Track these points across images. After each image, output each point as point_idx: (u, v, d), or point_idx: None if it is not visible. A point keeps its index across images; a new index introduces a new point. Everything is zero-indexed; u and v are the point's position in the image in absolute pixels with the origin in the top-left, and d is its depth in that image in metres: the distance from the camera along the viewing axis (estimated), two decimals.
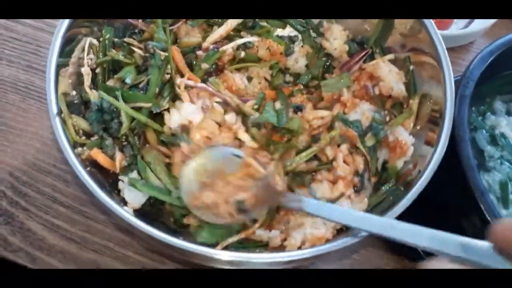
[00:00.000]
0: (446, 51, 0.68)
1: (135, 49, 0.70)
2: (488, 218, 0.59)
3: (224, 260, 0.56)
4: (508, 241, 0.41)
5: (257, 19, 0.79)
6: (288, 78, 0.79)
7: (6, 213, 0.76)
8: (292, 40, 0.80)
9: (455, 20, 0.99)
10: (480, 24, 0.97)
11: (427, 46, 0.70)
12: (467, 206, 0.63)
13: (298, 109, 0.72)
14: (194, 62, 0.72)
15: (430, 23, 0.69)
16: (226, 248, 0.62)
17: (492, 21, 0.95)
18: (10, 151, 0.82)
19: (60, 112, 0.62)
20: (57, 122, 0.61)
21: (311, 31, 0.81)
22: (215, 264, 0.60)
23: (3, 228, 0.75)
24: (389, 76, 0.73)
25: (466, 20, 1.01)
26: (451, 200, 0.68)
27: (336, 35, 0.78)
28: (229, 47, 0.72)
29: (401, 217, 0.59)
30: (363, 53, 0.77)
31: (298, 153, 0.68)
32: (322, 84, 0.74)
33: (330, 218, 0.57)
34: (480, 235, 0.47)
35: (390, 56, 0.76)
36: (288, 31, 0.82)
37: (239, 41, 0.73)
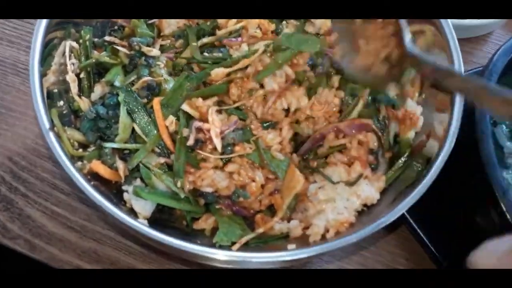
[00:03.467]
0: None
1: (119, 48, 0.66)
2: (509, 217, 0.57)
3: (222, 260, 0.55)
4: None
5: None
6: None
7: (5, 199, 0.74)
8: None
9: None
10: None
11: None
12: (485, 203, 0.61)
13: None
14: None
15: None
16: (246, 245, 0.60)
17: None
18: (9, 135, 0.80)
19: (53, 127, 0.59)
20: (51, 138, 0.58)
21: None
22: (215, 264, 0.59)
23: (2, 214, 0.73)
24: None
25: None
26: (467, 194, 0.66)
27: None
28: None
29: (414, 209, 0.58)
30: None
31: None
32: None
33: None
34: (498, 233, 0.45)
35: None
36: None
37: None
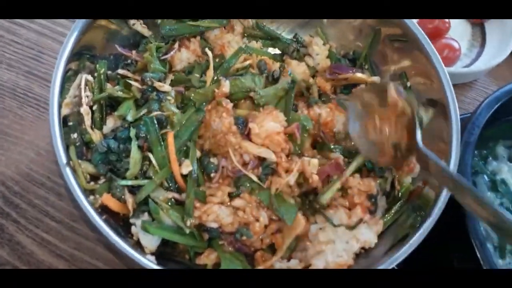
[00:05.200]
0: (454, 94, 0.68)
1: (132, 83, 0.68)
2: (484, 268, 0.59)
3: None
4: None
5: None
6: None
7: None
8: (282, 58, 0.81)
9: (460, 57, 1.00)
10: (484, 64, 0.98)
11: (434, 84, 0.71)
12: (465, 250, 0.64)
13: None
14: None
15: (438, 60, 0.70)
16: None
17: (496, 61, 0.96)
18: (4, 159, 0.80)
19: (69, 162, 0.59)
20: (68, 172, 0.58)
21: (298, 45, 0.81)
22: None
23: None
24: None
25: (471, 58, 1.02)
26: (450, 240, 0.68)
27: (318, 51, 0.79)
28: None
29: None
30: (348, 70, 0.77)
31: None
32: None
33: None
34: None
35: (376, 78, 0.77)
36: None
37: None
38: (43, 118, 0.84)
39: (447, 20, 1.00)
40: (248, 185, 0.66)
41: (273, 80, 0.74)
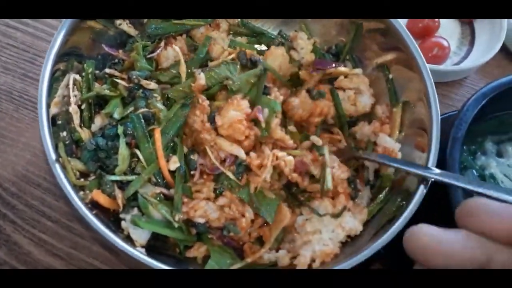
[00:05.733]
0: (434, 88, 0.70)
1: (119, 81, 0.69)
2: None
3: None
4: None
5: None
6: None
7: None
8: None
9: (450, 55, 1.01)
10: (473, 61, 0.99)
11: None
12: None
13: None
14: None
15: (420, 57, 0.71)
16: None
17: (485, 58, 0.97)
18: (0, 161, 0.81)
19: (58, 158, 0.60)
20: (57, 169, 0.59)
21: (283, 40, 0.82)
22: None
23: None
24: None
25: (460, 56, 1.03)
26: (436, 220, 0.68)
27: (302, 45, 0.80)
28: None
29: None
30: (331, 65, 0.78)
31: None
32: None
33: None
34: None
35: (358, 70, 0.78)
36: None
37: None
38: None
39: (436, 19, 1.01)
40: (226, 182, 0.67)
41: (251, 65, 0.74)
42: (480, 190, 0.56)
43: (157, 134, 0.66)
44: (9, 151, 0.83)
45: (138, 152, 0.66)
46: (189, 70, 0.73)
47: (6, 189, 0.79)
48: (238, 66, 0.72)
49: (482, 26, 1.05)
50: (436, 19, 1.01)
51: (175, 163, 0.65)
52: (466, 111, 0.69)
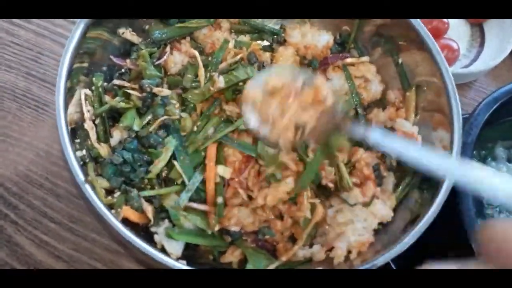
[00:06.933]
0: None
1: (131, 91, 0.67)
2: None
3: None
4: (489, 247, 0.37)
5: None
6: None
7: None
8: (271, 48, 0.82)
9: (460, 58, 1.00)
10: (483, 64, 0.98)
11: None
12: (461, 251, 0.63)
13: None
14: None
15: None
16: None
17: (495, 61, 0.96)
18: (2, 161, 0.80)
19: (87, 178, 0.59)
20: (88, 190, 0.58)
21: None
22: None
23: None
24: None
25: (470, 58, 1.02)
26: (445, 237, 0.68)
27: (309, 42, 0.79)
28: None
29: None
30: (340, 56, 0.79)
31: None
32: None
33: (393, 149, 0.57)
34: None
35: (365, 58, 0.79)
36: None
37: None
38: (42, 119, 0.85)
39: (446, 20, 1.00)
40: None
41: (263, 68, 0.74)
42: None
43: (212, 151, 0.66)
44: (12, 150, 0.81)
45: (176, 163, 0.65)
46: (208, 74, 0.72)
47: (8, 189, 0.78)
48: (255, 69, 0.72)
49: (492, 28, 1.04)
50: (446, 20, 1.00)
51: (224, 171, 0.65)
52: (477, 116, 0.69)
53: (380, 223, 0.67)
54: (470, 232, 0.61)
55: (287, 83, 0.60)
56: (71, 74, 0.64)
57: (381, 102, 0.79)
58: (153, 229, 0.63)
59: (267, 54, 0.78)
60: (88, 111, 0.66)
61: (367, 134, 0.56)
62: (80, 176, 0.58)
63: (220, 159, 0.66)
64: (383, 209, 0.67)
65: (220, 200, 0.65)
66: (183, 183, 0.65)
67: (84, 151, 0.63)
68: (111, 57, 0.72)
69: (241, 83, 0.70)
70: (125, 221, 0.61)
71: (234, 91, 0.72)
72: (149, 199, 0.64)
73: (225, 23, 0.80)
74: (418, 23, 0.72)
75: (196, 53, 0.73)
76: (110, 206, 0.61)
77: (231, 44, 0.77)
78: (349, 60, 0.78)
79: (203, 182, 0.66)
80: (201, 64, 0.71)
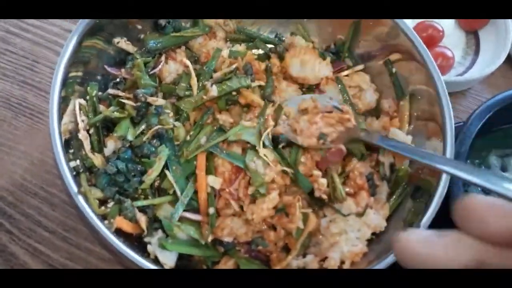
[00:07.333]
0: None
1: (125, 101, 0.67)
2: None
3: None
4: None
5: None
6: None
7: None
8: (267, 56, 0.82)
9: (454, 66, 1.00)
10: (478, 72, 0.98)
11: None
12: None
13: None
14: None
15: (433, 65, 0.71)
16: None
17: (490, 69, 0.96)
18: None
19: (80, 190, 0.59)
20: (81, 201, 0.58)
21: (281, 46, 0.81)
22: None
23: None
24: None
25: (465, 66, 1.02)
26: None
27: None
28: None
29: None
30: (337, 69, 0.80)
31: None
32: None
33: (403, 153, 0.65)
34: None
35: (360, 66, 0.79)
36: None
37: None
38: (37, 128, 0.85)
39: (441, 28, 1.00)
40: None
41: None
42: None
43: (202, 160, 0.66)
44: (7, 159, 0.82)
45: (168, 173, 0.65)
46: (200, 83, 0.72)
47: (3, 198, 0.78)
48: (248, 80, 0.72)
49: (487, 35, 1.04)
50: (441, 28, 1.00)
51: (214, 181, 0.65)
52: (470, 125, 0.69)
53: (373, 233, 0.67)
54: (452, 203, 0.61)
55: (318, 105, 0.71)
56: (65, 83, 0.64)
57: (376, 111, 0.79)
58: (146, 240, 0.63)
59: (263, 65, 0.77)
60: (83, 121, 0.65)
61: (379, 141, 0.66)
62: (73, 187, 0.58)
63: (211, 169, 0.66)
64: (376, 219, 0.67)
65: (212, 210, 0.65)
66: (175, 193, 0.66)
67: (78, 161, 0.63)
68: (106, 66, 0.72)
69: (234, 93, 0.71)
70: (119, 232, 0.61)
71: (228, 101, 0.72)
72: (142, 209, 0.64)
73: (220, 32, 0.81)
74: (411, 32, 0.72)
75: (188, 62, 0.73)
76: (103, 217, 0.61)
77: (226, 53, 0.77)
78: (344, 72, 0.79)
79: (195, 192, 0.66)
80: (193, 73, 0.71)
